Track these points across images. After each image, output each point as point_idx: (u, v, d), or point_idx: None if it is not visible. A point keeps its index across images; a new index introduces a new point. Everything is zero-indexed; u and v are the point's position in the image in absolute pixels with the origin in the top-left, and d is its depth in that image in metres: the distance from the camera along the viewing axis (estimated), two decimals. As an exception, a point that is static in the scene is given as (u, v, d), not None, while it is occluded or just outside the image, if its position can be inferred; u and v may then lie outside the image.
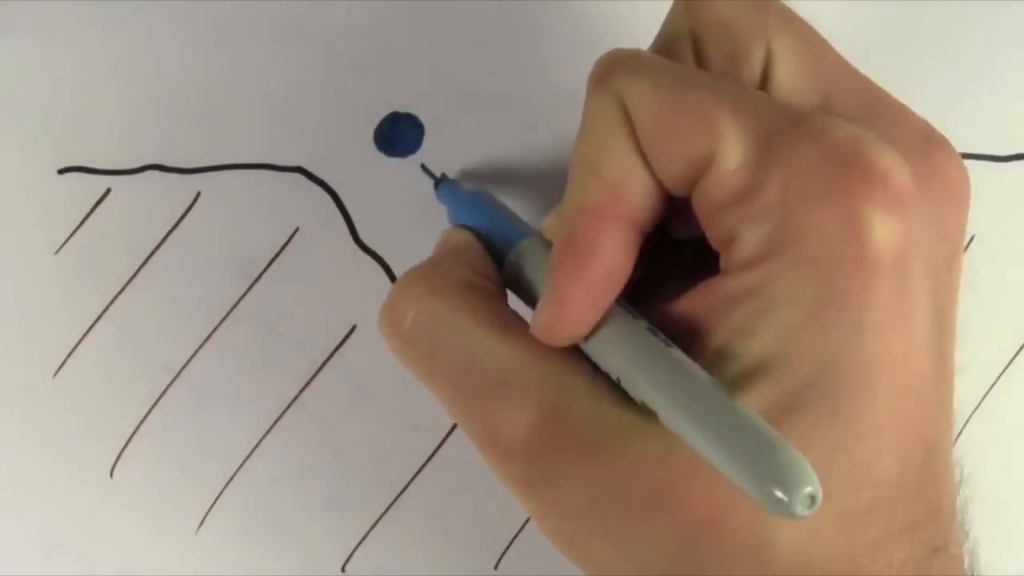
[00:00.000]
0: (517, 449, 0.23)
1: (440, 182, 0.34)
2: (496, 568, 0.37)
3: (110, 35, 0.34)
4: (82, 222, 0.35)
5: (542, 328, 0.24)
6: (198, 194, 0.35)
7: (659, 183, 0.24)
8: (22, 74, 0.34)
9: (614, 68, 0.24)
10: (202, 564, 0.36)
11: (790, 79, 0.26)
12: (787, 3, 0.29)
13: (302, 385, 0.36)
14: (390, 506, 0.36)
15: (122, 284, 0.35)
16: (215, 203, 0.35)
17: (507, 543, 0.37)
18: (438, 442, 0.36)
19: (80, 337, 0.35)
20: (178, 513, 0.36)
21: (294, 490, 0.36)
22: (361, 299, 0.35)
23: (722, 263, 0.24)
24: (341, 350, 0.36)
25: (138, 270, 0.35)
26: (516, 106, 0.35)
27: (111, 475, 0.36)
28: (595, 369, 0.25)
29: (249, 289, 0.35)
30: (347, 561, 0.36)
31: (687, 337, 0.23)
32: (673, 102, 0.23)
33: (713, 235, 0.24)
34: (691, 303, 0.24)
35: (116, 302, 0.35)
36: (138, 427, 0.36)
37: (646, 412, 0.23)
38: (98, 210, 0.35)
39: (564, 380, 0.24)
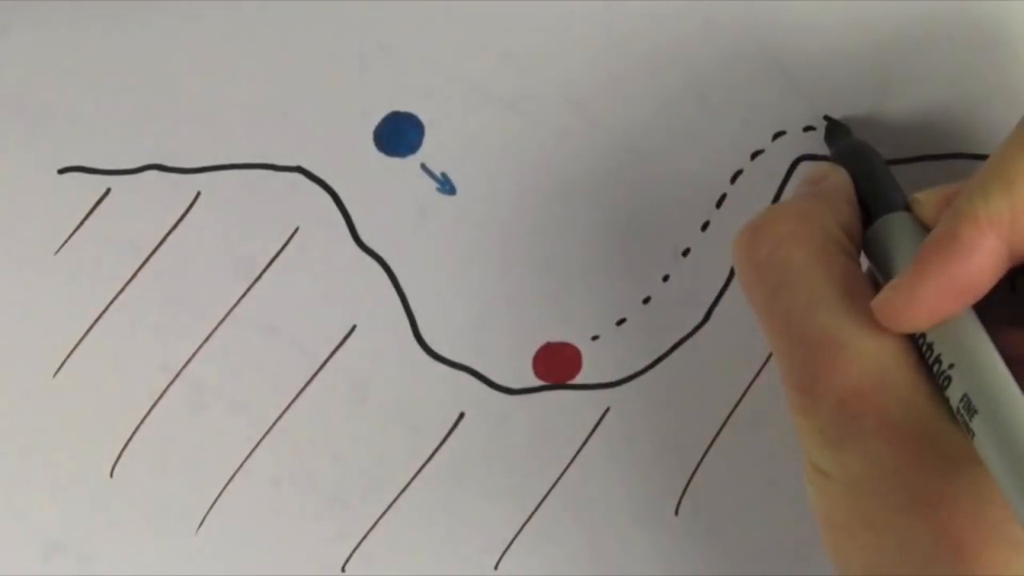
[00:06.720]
0: (825, 405, 0.24)
1: (832, 123, 0.34)
2: (496, 568, 0.37)
3: (110, 35, 0.34)
4: (82, 222, 0.35)
5: (888, 307, 0.25)
6: (198, 194, 0.35)
7: None
8: (22, 74, 0.34)
9: None
10: (202, 564, 0.36)
11: None
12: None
13: (302, 385, 0.36)
14: (390, 506, 0.36)
15: (122, 284, 0.35)
16: (215, 203, 0.35)
17: (507, 543, 0.37)
18: (438, 442, 0.36)
19: (80, 337, 0.35)
20: (178, 513, 0.36)
21: (294, 490, 0.36)
22: (361, 299, 0.35)
23: None
24: (341, 350, 0.36)
25: (138, 270, 0.35)
26: (517, 106, 0.35)
27: (111, 475, 0.36)
28: (920, 359, 0.25)
29: (249, 289, 0.35)
30: (347, 561, 0.36)
31: (1019, 367, 0.24)
32: None
33: None
34: None
35: (116, 302, 0.35)
36: (138, 427, 0.36)
37: (954, 421, 0.24)
38: (98, 210, 0.35)
39: (890, 359, 0.25)
